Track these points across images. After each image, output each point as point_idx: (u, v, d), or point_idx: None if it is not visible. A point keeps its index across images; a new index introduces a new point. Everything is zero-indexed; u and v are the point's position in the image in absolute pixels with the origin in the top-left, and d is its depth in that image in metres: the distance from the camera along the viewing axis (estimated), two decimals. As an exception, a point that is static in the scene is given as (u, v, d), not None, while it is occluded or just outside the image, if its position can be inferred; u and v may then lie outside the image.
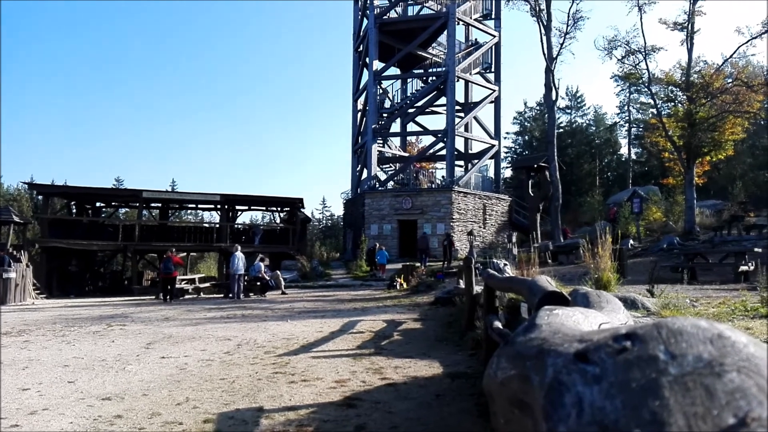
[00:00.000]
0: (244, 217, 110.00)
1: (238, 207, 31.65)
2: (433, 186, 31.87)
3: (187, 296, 19.70)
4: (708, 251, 15.84)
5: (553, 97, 27.66)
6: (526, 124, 58.23)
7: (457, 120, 31.86)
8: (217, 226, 29.63)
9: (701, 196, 29.31)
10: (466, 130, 34.86)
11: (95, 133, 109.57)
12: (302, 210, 31.60)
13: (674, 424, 0.79)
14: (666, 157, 30.49)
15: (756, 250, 13.52)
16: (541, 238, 26.98)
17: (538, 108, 55.37)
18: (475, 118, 35.02)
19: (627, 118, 54.18)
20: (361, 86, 34.94)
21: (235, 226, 30.50)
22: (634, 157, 54.35)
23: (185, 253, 30.23)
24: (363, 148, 33.18)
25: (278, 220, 34.67)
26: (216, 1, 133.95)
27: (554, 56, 26.55)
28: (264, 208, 34.89)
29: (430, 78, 34.02)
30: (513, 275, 8.59)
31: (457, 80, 32.35)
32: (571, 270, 15.23)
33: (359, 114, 35.21)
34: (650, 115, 38.46)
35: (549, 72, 26.57)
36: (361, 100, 34.71)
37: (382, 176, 33.41)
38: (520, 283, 4.14)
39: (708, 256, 15.34)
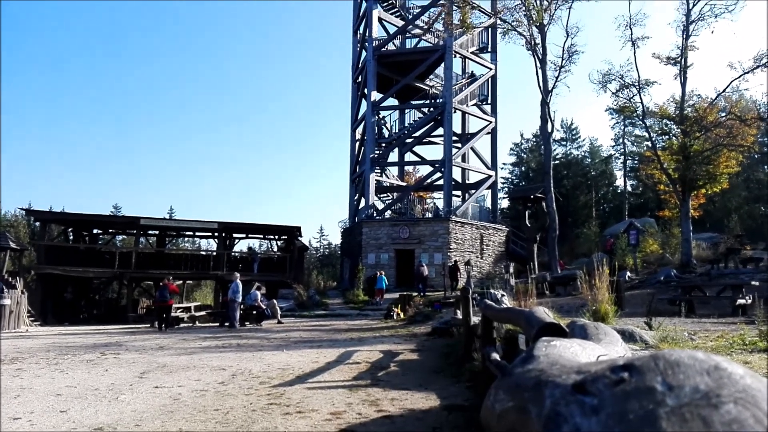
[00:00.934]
0: (242, 245, 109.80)
1: (235, 235, 31.63)
2: (431, 216, 31.94)
3: (182, 325, 19.53)
4: (705, 284, 15.84)
5: (549, 129, 27.93)
6: (522, 155, 58.69)
7: (454, 150, 32.13)
8: (214, 254, 29.55)
9: (697, 228, 29.41)
10: (464, 160, 35.13)
11: (95, 161, 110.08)
12: (300, 238, 31.59)
13: (672, 456, 0.79)
14: (661, 190, 30.69)
15: (753, 283, 13.54)
16: (538, 268, 26.96)
17: (534, 139, 55.89)
18: (472, 148, 35.34)
19: (622, 150, 54.71)
20: (359, 116, 35.30)
21: (233, 254, 30.42)
22: (629, 189, 54.67)
23: (181, 281, 30.07)
24: (361, 177, 33.34)
25: (276, 249, 34.59)
26: (215, 29, 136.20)
27: (550, 89, 26.90)
28: (261, 236, 34.85)
29: (428, 109, 34.42)
30: (510, 306, 8.57)
31: (455, 111, 32.73)
32: (568, 301, 15.18)
33: (357, 143, 35.49)
34: (645, 148, 38.85)
35: (545, 104, 26.89)
36: (360, 129, 35.02)
37: (380, 205, 33.52)
38: (518, 314, 4.13)
39: (705, 289, 15.33)
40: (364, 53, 34.34)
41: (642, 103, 25.07)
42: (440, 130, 34.25)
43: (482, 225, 32.08)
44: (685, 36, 23.87)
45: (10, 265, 27.53)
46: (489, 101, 35.75)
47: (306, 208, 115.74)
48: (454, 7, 30.09)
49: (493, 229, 33.00)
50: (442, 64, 32.58)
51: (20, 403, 5.83)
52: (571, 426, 0.97)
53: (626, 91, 25.35)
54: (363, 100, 34.25)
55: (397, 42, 35.51)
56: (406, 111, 36.13)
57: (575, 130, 57.45)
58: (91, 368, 8.41)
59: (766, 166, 45.36)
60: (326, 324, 17.44)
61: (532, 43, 26.71)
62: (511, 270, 25.77)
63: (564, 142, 56.82)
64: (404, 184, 38.40)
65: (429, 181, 35.04)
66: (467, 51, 33.85)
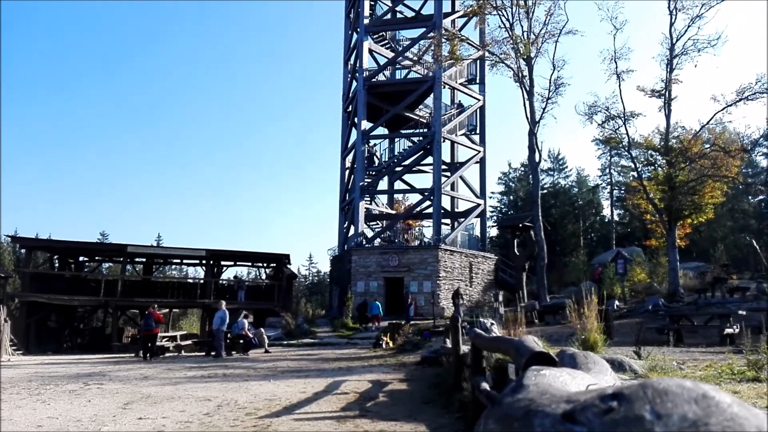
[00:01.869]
0: (230, 273, 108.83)
1: (223, 262, 31.39)
2: (420, 244, 31.97)
3: (167, 354, 19.22)
4: (693, 313, 15.92)
5: (537, 159, 28.26)
6: (510, 184, 59.17)
7: (443, 179, 32.34)
8: (202, 281, 29.28)
9: (684, 257, 29.62)
10: (453, 189, 35.35)
11: (83, 187, 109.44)
12: (289, 266, 31.41)
13: (661, 485, 0.79)
14: (648, 219, 30.99)
15: (740, 312, 13.62)
16: (527, 297, 26.95)
17: (522, 169, 56.44)
18: (461, 177, 35.60)
19: (609, 180, 55.30)
20: (349, 144, 35.53)
21: (220, 281, 30.15)
22: (616, 218, 55.13)
23: (167, 310, 29.70)
24: (350, 205, 33.40)
25: (264, 276, 34.36)
26: (205, 56, 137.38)
27: (537, 120, 27.29)
28: (250, 264, 34.60)
29: (417, 138, 34.76)
30: (500, 335, 8.54)
31: (444, 141, 33.05)
32: (557, 330, 15.16)
33: (347, 171, 35.64)
34: (631, 178, 39.32)
35: (532, 135, 27.25)
36: (350, 158, 35.22)
37: (369, 233, 33.51)
38: (507, 343, 4.13)
39: (693, 318, 15.40)
40: (354, 83, 34.74)
41: (627, 134, 25.47)
42: (430, 159, 34.53)
43: (471, 253, 32.13)
44: (669, 69, 24.38)
45: (-6, 293, 27.11)
46: (477, 131, 36.21)
47: (295, 235, 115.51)
48: (444, 40, 30.69)
49: (482, 257, 33.05)
50: (432, 95, 33.01)
51: (-1, 435, 5.69)
52: (562, 455, 0.97)
53: (612, 123, 25.76)
54: (353, 128, 34.52)
55: (387, 73, 36.00)
56: (396, 140, 36.45)
57: (562, 160, 58.10)
58: (73, 399, 8.24)
59: (750, 197, 46.02)
60: (314, 353, 17.26)
61: (520, 75, 27.19)
62: (501, 298, 25.75)
63: (551, 172, 57.40)
64: (394, 212, 38.50)
65: (418, 209, 35.17)
66: (456, 82, 34.37)
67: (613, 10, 25.53)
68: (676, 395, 0.98)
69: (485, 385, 4.93)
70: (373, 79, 33.85)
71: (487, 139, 35.90)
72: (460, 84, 35.00)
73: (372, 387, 9.21)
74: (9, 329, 19.08)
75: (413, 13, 37.81)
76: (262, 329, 20.08)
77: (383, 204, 38.38)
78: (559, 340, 10.92)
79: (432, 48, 32.45)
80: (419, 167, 37.41)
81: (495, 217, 54.46)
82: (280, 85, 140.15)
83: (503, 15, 27.28)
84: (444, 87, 33.21)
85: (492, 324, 11.15)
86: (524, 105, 27.39)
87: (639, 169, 26.90)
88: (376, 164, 35.34)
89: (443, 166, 33.97)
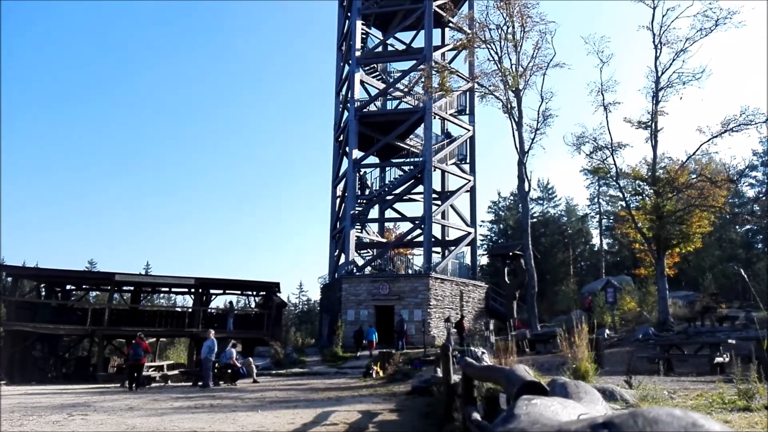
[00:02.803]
0: (219, 302, 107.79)
1: (212, 291, 31.09)
2: (411, 272, 31.92)
3: (154, 384, 18.90)
4: (683, 342, 15.92)
5: (526, 188, 28.51)
6: (500, 212, 59.47)
7: (434, 207, 32.49)
8: (190, 310, 28.96)
9: (673, 286, 29.73)
10: (443, 217, 35.49)
11: (71, 215, 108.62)
12: (278, 294, 31.19)
13: None
14: (637, 248, 31.16)
15: (730, 341, 13.64)
16: (517, 325, 26.85)
17: (512, 198, 56.81)
18: (451, 206, 35.78)
19: (597, 209, 55.76)
20: (340, 173, 35.70)
21: (209, 310, 29.82)
22: (606, 247, 55.41)
23: (155, 339, 29.27)
24: (341, 233, 33.40)
25: (253, 305, 34.06)
26: (198, 82, 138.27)
27: (526, 150, 27.61)
28: (239, 292, 34.31)
29: (408, 167, 35.00)
30: (491, 364, 8.50)
31: (434, 170, 33.31)
32: (548, 359, 15.10)
33: (338, 200, 35.73)
34: (620, 208, 39.67)
35: (521, 164, 27.53)
36: (341, 186, 35.35)
37: (360, 261, 33.43)
38: (499, 372, 4.12)
39: (683, 347, 15.41)
40: (346, 113, 35.08)
41: (615, 164, 25.77)
42: (420, 188, 34.74)
43: (462, 281, 32.10)
44: (655, 102, 24.81)
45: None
46: (467, 160, 36.59)
47: (286, 263, 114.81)
48: (434, 72, 31.17)
49: (473, 285, 33.02)
50: (422, 125, 33.38)
51: (-20, 468, 5.55)
52: (554, 484, 0.99)
53: (600, 153, 26.07)
54: (344, 157, 34.72)
55: (378, 103, 36.41)
56: (387, 168, 36.70)
57: (551, 189, 58.63)
58: (57, 430, 8.06)
59: (737, 227, 46.47)
60: (303, 382, 17.04)
61: (509, 106, 27.59)
62: (491, 327, 25.67)
63: (541, 201, 57.83)
64: (384, 240, 38.50)
65: (409, 237, 35.20)
66: (446, 113, 34.81)
67: (599, 45, 26.00)
68: (667, 424, 1.00)
69: (476, 415, 4.89)
70: (365, 110, 34.21)
71: (477, 168, 36.28)
72: (450, 114, 35.46)
73: (362, 418, 9.09)
74: (-8, 359, 18.74)
75: (404, 47, 38.56)
76: (251, 358, 19.84)
77: (374, 232, 38.40)
78: (550, 369, 10.88)
79: (422, 80, 32.93)
80: (410, 196, 37.60)
81: (485, 246, 54.57)
82: (272, 113, 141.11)
83: (492, 48, 27.86)
84: (434, 117, 33.62)
85: (483, 353, 11.09)
86: (513, 135, 27.75)
87: (627, 199, 27.17)
88: (367, 193, 35.49)
89: (434, 195, 34.16)
